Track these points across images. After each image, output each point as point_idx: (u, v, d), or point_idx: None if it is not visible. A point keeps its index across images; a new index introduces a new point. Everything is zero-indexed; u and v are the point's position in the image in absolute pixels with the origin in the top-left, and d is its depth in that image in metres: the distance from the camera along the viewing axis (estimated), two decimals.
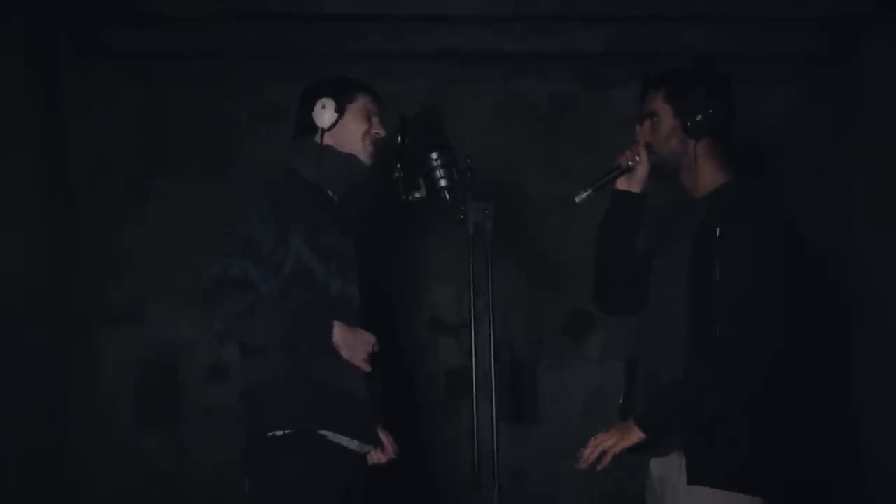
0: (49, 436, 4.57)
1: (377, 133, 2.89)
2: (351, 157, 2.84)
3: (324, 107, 2.82)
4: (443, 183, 2.70)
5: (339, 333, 2.69)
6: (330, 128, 2.82)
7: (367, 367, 2.73)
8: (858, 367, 4.73)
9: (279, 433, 2.66)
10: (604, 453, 2.55)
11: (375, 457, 2.86)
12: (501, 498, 2.59)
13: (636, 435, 2.54)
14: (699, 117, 2.65)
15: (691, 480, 2.51)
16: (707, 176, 2.70)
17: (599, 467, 2.57)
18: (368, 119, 2.88)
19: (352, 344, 2.71)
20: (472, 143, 4.74)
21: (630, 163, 2.77)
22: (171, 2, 4.40)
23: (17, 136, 4.40)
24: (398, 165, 2.80)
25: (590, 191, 2.76)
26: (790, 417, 2.57)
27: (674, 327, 2.59)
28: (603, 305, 2.97)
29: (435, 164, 2.70)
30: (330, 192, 2.86)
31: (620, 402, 2.82)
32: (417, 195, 2.76)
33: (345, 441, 2.73)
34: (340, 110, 2.83)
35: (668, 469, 2.60)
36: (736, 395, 2.50)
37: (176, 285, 4.92)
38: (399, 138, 2.82)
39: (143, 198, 5.10)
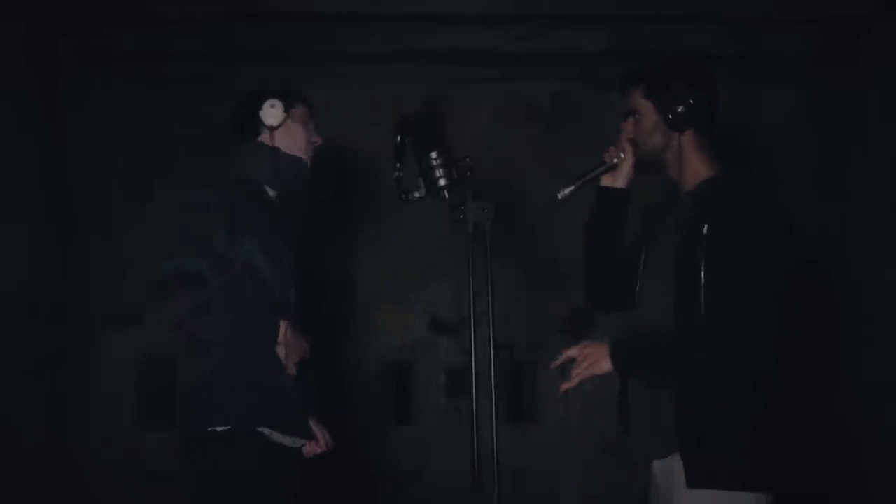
0: (49, 436, 4.57)
1: (315, 141, 2.97)
2: (298, 160, 2.93)
3: (273, 106, 2.89)
4: (442, 182, 2.70)
5: (283, 333, 2.77)
6: (277, 127, 2.88)
7: (293, 371, 2.80)
8: (857, 365, 4.72)
9: (219, 429, 2.74)
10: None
11: (310, 450, 2.94)
12: (501, 498, 2.59)
13: (606, 365, 2.59)
14: (680, 109, 2.64)
15: (691, 484, 2.51)
16: (693, 168, 2.68)
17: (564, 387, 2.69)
18: (306, 126, 2.96)
19: (291, 345, 2.79)
20: (472, 143, 4.74)
21: (615, 159, 2.77)
22: (171, 2, 4.40)
23: (17, 136, 4.41)
24: (398, 165, 2.80)
25: (572, 187, 2.76)
26: (787, 414, 2.56)
27: (662, 321, 2.58)
28: (595, 304, 2.97)
29: (434, 163, 2.70)
30: (272, 193, 2.92)
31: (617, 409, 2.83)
32: (417, 194, 2.76)
33: (278, 437, 2.81)
34: (287, 111, 2.89)
35: (670, 469, 2.60)
36: (715, 367, 2.47)
37: None
38: (398, 138, 2.82)
39: (143, 198, 5.09)
